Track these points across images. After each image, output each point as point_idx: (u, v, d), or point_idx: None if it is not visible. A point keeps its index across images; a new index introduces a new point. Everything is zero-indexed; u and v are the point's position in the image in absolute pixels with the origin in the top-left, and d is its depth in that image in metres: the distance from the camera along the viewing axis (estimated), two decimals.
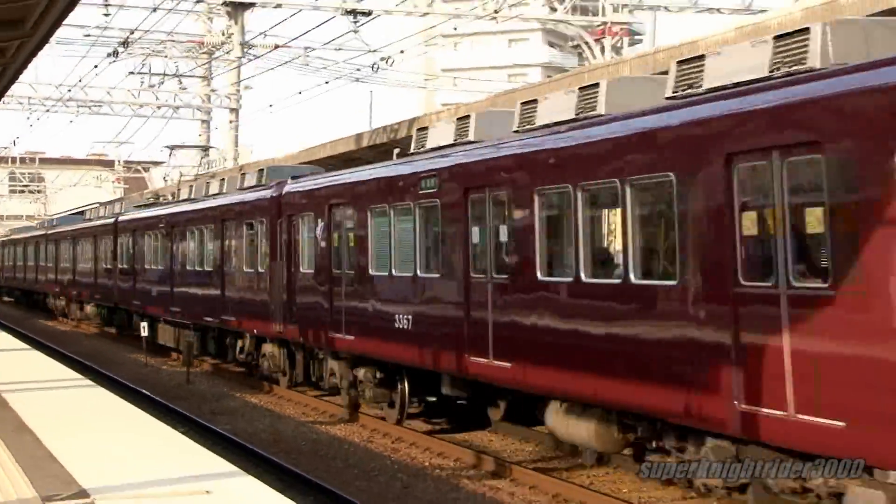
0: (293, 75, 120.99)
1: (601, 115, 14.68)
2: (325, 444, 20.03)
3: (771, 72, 11.93)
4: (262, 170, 28.62)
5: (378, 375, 20.27)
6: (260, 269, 26.19)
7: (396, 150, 22.00)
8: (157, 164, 77.23)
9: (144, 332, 33.07)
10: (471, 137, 18.35)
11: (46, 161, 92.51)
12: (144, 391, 25.85)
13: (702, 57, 13.46)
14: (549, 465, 16.78)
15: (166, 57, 53.40)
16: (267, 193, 26.11)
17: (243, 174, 30.78)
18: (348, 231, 21.53)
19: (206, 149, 38.95)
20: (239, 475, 9.84)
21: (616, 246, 14.24)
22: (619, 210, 13.73)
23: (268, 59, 47.00)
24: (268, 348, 26.37)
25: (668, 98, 13.63)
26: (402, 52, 41.96)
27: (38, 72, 63.98)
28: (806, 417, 10.63)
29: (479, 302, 16.85)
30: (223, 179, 33.09)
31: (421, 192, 18.54)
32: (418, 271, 18.72)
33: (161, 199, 42.35)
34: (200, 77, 57.59)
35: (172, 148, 46.82)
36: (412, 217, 18.88)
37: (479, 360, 16.64)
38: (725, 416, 11.67)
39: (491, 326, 16.39)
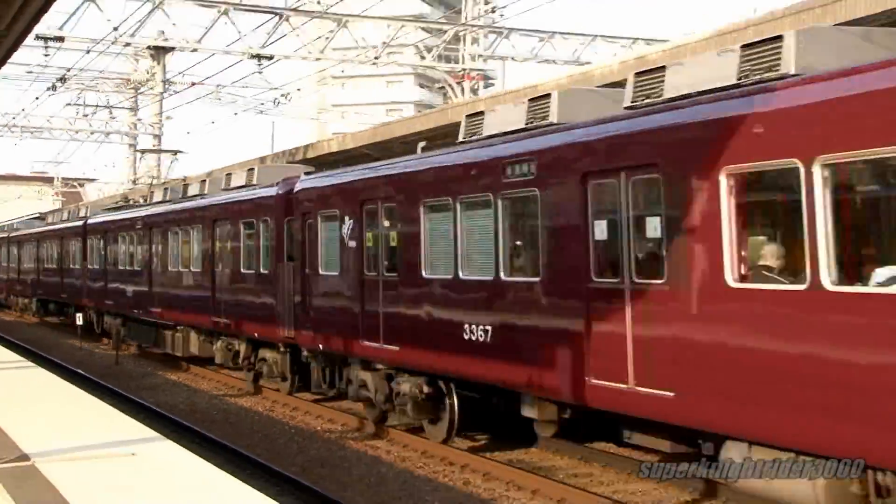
0: (207, 107, 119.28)
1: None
2: (233, 413, 19.74)
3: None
4: (251, 169, 23.43)
5: (426, 390, 14.79)
6: (262, 271, 20.87)
7: (422, 144, 17.51)
8: (90, 180, 76.20)
9: (80, 322, 31.98)
10: (553, 119, 13.08)
11: None
12: (80, 371, 25.09)
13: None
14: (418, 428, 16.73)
15: (98, 91, 52.94)
16: (271, 191, 20.70)
17: (228, 175, 25.03)
18: (389, 229, 15.80)
19: (175, 152, 35.48)
20: (160, 440, 9.57)
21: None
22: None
23: (186, 93, 46.20)
24: (268, 354, 21.03)
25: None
26: (298, 89, 41.80)
27: None
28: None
29: (609, 310, 11.39)
30: (203, 181, 27.25)
31: (507, 180, 13.04)
32: (501, 274, 13.22)
33: (132, 202, 36.21)
34: (128, 108, 56.69)
35: (143, 152, 40.81)
36: (492, 211, 13.24)
37: (607, 385, 11.23)
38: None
39: (631, 341, 10.91)
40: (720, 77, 10.41)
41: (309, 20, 35.10)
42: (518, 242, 13.54)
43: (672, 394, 10.25)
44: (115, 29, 31.14)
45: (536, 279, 12.57)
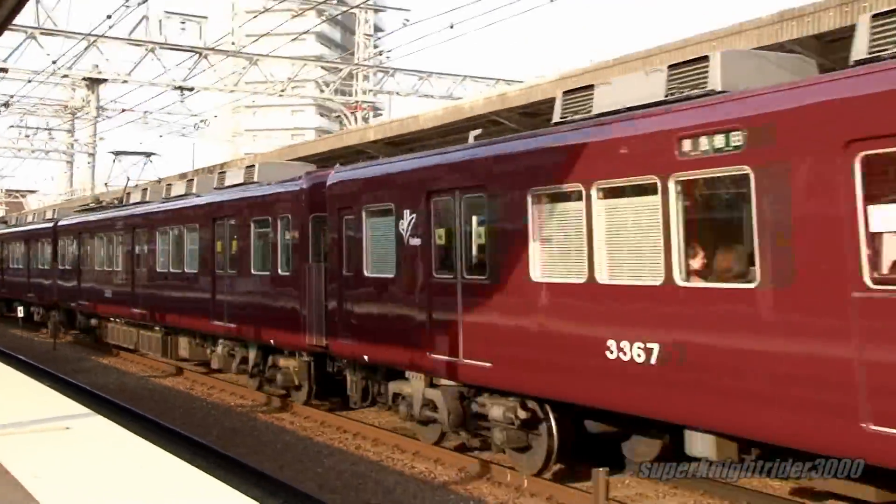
0: (136, 131, 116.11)
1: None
2: (158, 392, 19.17)
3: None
4: (251, 166, 18.63)
5: (522, 415, 10.61)
6: (281, 272, 15.83)
7: (476, 132, 12.89)
8: (32, 192, 73.59)
9: (21, 314, 30.45)
10: (716, 87, 8.85)
11: None
12: (20, 356, 24.02)
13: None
14: (322, 404, 16.49)
15: (39, 115, 51.52)
16: (294, 186, 15.69)
17: (222, 173, 20.20)
18: (473, 224, 11.54)
19: (148, 155, 32.25)
20: (92, 415, 9.18)
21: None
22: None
23: (117, 118, 44.90)
24: (284, 361, 16.19)
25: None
26: (215, 116, 40.94)
27: None
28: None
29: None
30: (190, 180, 22.05)
31: (689, 158, 8.27)
32: (677, 277, 8.49)
33: (104, 203, 30.39)
34: (66, 130, 55.01)
35: (117, 154, 32.86)
36: (661, 200, 8.51)
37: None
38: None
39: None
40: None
41: (225, 58, 34.55)
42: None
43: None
44: (55, 62, 30.13)
45: (752, 285, 7.84)
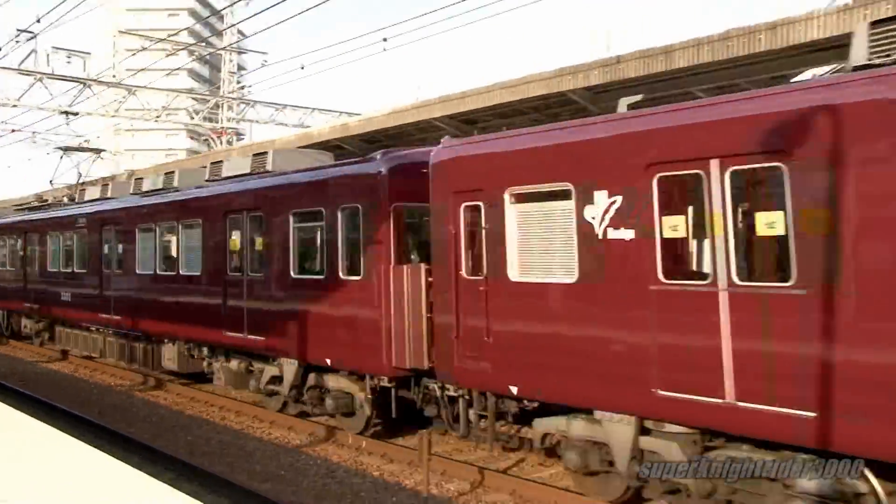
0: (25, 149, 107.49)
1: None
2: (45, 375, 17.77)
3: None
4: (263, 153, 13.09)
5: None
6: (345, 276, 10.42)
7: (631, 101, 7.56)
8: None
9: None
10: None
11: None
12: None
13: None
14: (193, 383, 15.81)
15: None
16: (369, 168, 10.17)
17: (218, 163, 14.20)
18: (745, 209, 6.36)
19: (98, 151, 26.43)
20: None
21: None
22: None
23: (8, 138, 41.29)
24: (335, 383, 10.98)
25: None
26: (98, 137, 38.43)
27: None
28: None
29: None
30: (171, 173, 15.84)
31: None
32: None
33: (50, 200, 23.73)
34: None
35: (65, 150, 25.07)
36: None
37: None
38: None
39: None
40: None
41: (107, 88, 32.60)
42: None
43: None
44: None
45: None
